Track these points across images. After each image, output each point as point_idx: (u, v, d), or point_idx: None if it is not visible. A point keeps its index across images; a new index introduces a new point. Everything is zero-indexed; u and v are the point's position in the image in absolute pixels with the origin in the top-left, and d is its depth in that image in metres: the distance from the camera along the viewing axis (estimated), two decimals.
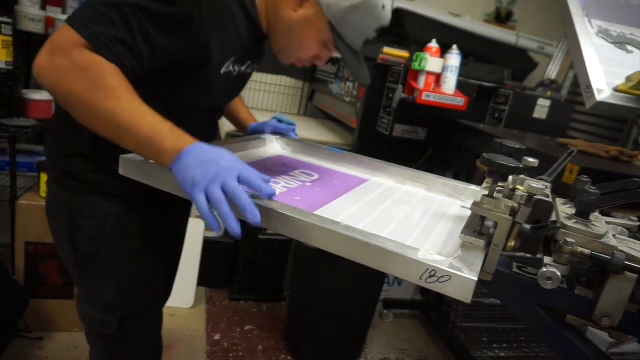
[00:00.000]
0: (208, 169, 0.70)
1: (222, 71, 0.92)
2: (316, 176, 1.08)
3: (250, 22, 0.93)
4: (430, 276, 0.63)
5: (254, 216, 0.69)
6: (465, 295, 0.62)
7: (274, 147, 1.25)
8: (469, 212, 0.83)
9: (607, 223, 0.80)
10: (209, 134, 1.09)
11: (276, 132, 1.27)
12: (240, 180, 0.71)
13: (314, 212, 0.79)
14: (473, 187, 1.08)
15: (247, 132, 1.29)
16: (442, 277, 0.63)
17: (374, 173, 1.16)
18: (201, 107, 1.00)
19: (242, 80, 1.07)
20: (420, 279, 0.64)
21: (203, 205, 0.69)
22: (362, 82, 1.00)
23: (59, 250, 1.04)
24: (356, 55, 0.96)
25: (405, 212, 0.94)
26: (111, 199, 0.95)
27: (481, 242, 0.71)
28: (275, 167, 1.10)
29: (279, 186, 0.95)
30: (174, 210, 0.85)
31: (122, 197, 0.95)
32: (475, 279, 0.62)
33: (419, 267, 0.64)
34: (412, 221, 0.89)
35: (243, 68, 1.00)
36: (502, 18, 3.35)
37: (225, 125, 2.14)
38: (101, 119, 0.76)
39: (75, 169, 0.94)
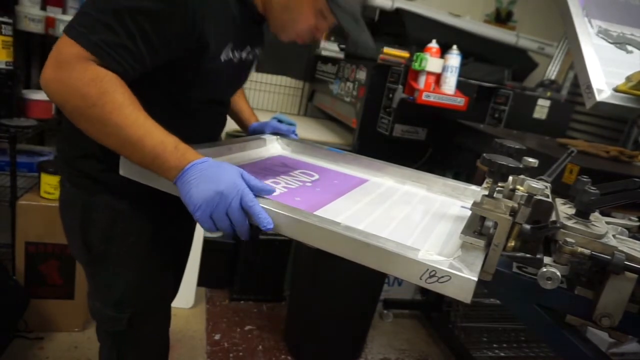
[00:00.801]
0: (209, 191, 0.74)
1: (222, 59, 0.93)
2: (316, 176, 1.08)
3: (244, 6, 0.94)
4: (430, 276, 0.64)
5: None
6: (465, 295, 0.62)
7: (274, 147, 1.25)
8: (469, 212, 0.83)
9: (607, 223, 0.80)
10: (217, 128, 1.11)
11: (276, 133, 1.27)
12: (242, 205, 0.74)
13: (314, 213, 0.79)
14: (473, 187, 1.08)
15: (248, 132, 1.29)
16: (442, 277, 0.63)
17: (374, 173, 1.16)
18: (207, 98, 1.01)
19: (244, 68, 1.07)
20: (421, 279, 0.64)
21: (208, 228, 0.76)
22: (363, 46, 1.01)
23: (71, 248, 1.06)
24: (356, 21, 0.96)
25: (405, 212, 0.94)
26: (123, 197, 0.97)
27: (481, 242, 0.71)
28: (275, 168, 1.10)
29: (280, 186, 0.96)
30: (183, 209, 0.87)
31: (132, 195, 0.97)
32: (475, 279, 0.62)
33: (419, 267, 0.64)
34: (412, 221, 0.89)
35: (244, 55, 1.00)
36: (502, 18, 3.35)
37: (226, 126, 2.14)
38: (107, 134, 0.78)
39: (88, 168, 0.97)
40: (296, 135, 1.32)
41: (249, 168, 1.03)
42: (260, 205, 0.74)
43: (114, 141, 0.79)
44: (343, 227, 0.70)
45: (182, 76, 0.91)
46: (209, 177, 0.74)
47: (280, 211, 0.73)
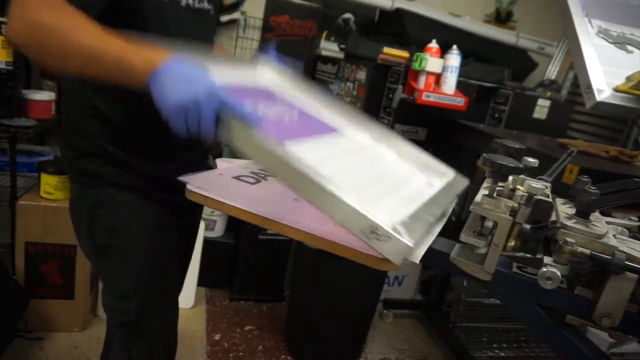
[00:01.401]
0: (183, 94, 0.71)
1: None
2: (295, 115, 1.05)
3: None
4: (371, 232, 0.65)
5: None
6: (398, 258, 0.65)
7: (265, 74, 1.17)
8: (432, 189, 0.83)
9: (607, 223, 0.80)
10: None
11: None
12: (220, 105, 0.73)
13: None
14: (444, 167, 1.07)
15: None
16: (382, 235, 0.65)
17: (353, 125, 1.14)
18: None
19: (198, 17, 1.03)
20: (362, 232, 0.66)
21: (180, 130, 0.73)
22: None
23: (82, 248, 1.08)
24: None
25: (370, 172, 0.94)
26: (124, 190, 0.98)
27: (431, 218, 0.73)
28: (257, 94, 1.05)
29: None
30: (186, 201, 0.86)
31: (134, 187, 0.99)
32: (412, 245, 0.64)
33: (363, 220, 0.65)
34: (373, 181, 0.90)
35: (191, 1, 0.98)
36: (502, 18, 3.35)
37: None
38: (69, 57, 0.77)
39: (88, 166, 0.98)
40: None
41: (233, 89, 0.99)
42: None
43: (77, 63, 0.77)
44: (305, 166, 0.70)
45: (134, 24, 0.88)
46: (184, 80, 0.73)
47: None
